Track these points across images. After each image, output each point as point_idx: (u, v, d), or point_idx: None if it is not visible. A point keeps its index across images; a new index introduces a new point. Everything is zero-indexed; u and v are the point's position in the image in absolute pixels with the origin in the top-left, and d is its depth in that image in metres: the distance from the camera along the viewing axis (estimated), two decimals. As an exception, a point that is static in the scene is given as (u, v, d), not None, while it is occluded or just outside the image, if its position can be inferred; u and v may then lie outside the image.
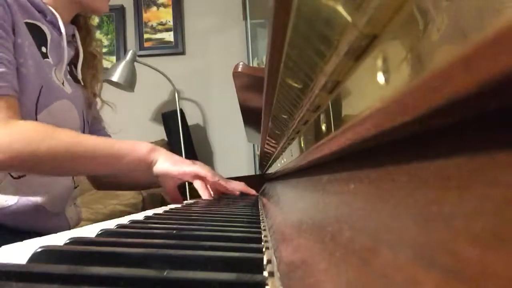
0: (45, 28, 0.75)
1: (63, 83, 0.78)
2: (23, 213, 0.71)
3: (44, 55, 0.74)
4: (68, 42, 0.82)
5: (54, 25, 0.78)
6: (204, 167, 0.89)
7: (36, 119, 0.70)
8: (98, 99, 0.94)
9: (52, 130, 0.66)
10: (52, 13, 0.77)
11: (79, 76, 0.87)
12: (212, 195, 0.83)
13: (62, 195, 0.81)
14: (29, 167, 0.66)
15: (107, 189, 1.00)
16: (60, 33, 0.78)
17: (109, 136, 1.00)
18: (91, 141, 0.70)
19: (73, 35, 0.85)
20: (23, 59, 0.67)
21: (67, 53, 0.79)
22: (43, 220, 0.75)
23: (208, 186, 0.82)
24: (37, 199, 0.73)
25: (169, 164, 0.76)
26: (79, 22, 0.88)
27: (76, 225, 0.89)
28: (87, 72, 0.89)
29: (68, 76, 0.83)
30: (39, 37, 0.73)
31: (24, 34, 0.69)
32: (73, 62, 0.87)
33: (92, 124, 0.93)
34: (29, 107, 0.69)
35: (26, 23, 0.71)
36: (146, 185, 0.97)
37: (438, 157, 0.12)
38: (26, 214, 0.72)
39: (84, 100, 0.86)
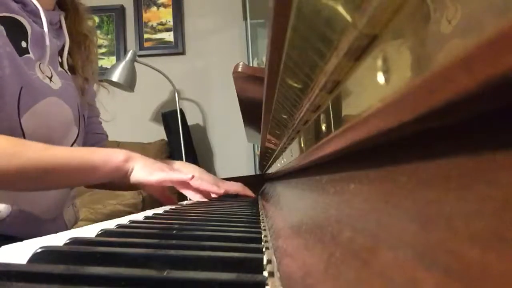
0: (24, 20, 0.69)
1: (51, 78, 0.73)
2: (17, 224, 0.69)
3: (24, 51, 0.68)
4: (55, 31, 0.77)
5: (36, 14, 0.72)
6: (186, 168, 0.86)
7: (20, 123, 0.66)
8: (94, 84, 0.88)
9: (20, 145, 0.62)
10: (32, 2, 0.71)
11: (66, 63, 0.80)
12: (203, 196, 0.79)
13: (59, 200, 0.78)
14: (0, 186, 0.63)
15: (97, 188, 0.97)
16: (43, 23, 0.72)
17: (105, 133, 0.97)
18: (64, 154, 0.66)
19: (60, 23, 0.79)
20: None
21: (51, 45, 0.74)
22: (38, 228, 0.73)
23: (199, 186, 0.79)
24: (31, 208, 0.71)
25: (145, 173, 0.73)
26: (64, 2, 0.82)
27: (73, 225, 0.87)
28: (78, 55, 0.83)
29: (60, 69, 0.78)
30: (17, 32, 0.67)
31: None
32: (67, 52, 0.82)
33: (88, 117, 0.87)
34: (10, 111, 0.64)
35: (2, 18, 0.65)
36: (129, 189, 0.93)
37: (438, 157, 0.12)
38: (21, 225, 0.70)
39: (77, 90, 0.81)
